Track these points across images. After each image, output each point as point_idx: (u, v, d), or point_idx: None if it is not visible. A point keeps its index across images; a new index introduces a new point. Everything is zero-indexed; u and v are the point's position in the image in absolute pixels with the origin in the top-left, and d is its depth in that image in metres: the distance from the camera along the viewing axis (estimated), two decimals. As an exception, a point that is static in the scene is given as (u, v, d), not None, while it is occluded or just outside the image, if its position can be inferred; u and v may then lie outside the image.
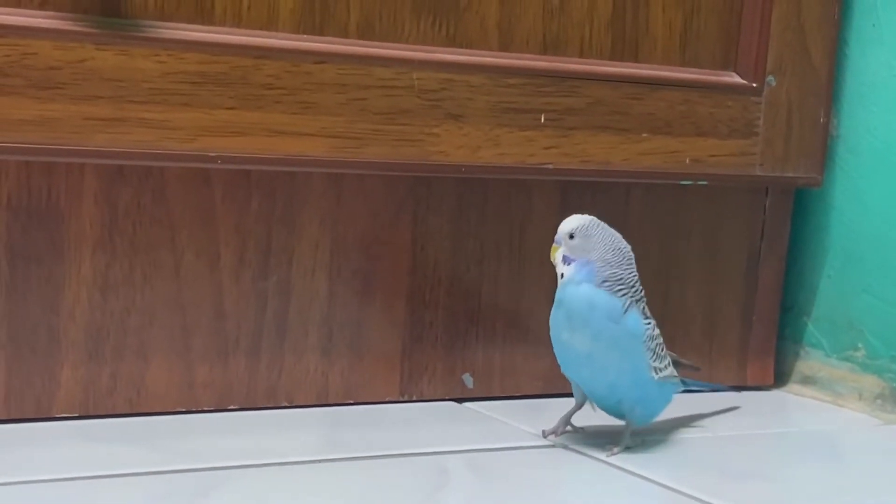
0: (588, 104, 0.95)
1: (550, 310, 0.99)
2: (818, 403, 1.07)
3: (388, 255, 0.94)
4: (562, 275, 0.85)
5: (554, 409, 0.90)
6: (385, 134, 0.88)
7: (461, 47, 0.91)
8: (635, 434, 0.88)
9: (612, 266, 0.85)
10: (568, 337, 0.85)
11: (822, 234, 1.09)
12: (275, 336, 0.91)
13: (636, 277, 0.86)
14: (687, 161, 0.99)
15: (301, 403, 0.92)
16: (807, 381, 1.10)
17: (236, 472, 0.78)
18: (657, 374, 0.86)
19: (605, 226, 0.86)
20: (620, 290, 0.84)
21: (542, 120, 0.94)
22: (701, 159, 1.00)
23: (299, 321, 0.92)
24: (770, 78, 1.01)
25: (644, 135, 0.97)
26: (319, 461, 0.81)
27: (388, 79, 0.88)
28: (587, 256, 0.84)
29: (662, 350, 0.87)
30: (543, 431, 0.89)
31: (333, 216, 0.92)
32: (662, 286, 1.04)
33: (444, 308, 0.96)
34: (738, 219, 1.06)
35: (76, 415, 0.86)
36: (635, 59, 0.98)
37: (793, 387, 1.10)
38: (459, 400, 0.97)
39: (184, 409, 0.89)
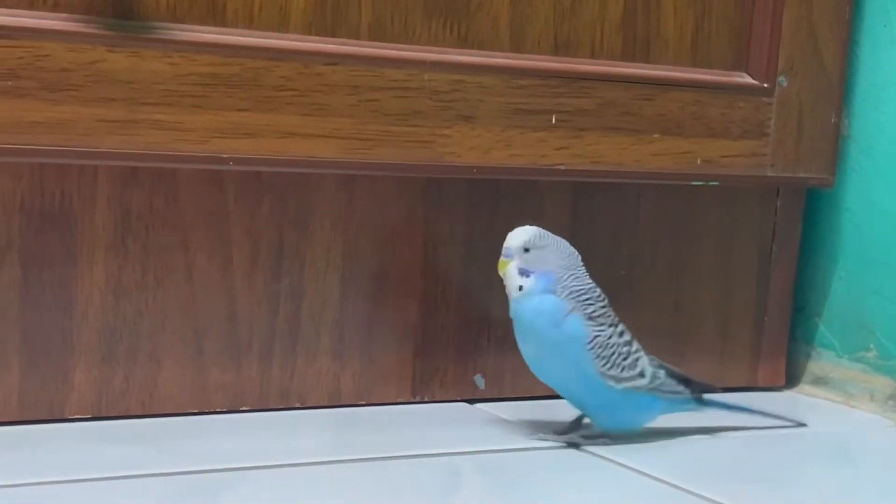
0: (599, 105, 0.95)
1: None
2: (830, 404, 1.07)
3: (400, 257, 0.94)
4: (520, 287, 0.86)
5: (565, 410, 0.90)
6: (397, 135, 0.88)
7: (473, 48, 0.91)
8: (605, 437, 0.88)
9: (569, 269, 0.86)
10: (522, 346, 0.87)
11: (834, 234, 1.09)
12: (287, 338, 0.91)
13: (588, 281, 0.87)
14: (698, 162, 0.99)
15: (313, 405, 0.92)
16: (818, 381, 1.10)
17: (249, 473, 0.78)
18: (616, 382, 0.86)
19: (553, 234, 0.87)
20: (571, 294, 0.86)
21: (554, 121, 0.94)
22: (712, 160, 1.00)
23: (311, 323, 0.92)
24: (781, 79, 1.01)
25: (655, 136, 0.97)
26: (331, 462, 0.82)
27: (399, 80, 0.88)
28: (546, 266, 0.86)
29: (625, 359, 0.87)
30: (554, 432, 0.89)
31: (345, 218, 0.92)
32: (674, 287, 1.04)
33: (456, 310, 0.96)
34: (749, 220, 1.06)
35: (89, 416, 0.86)
36: (646, 60, 0.98)
37: (804, 387, 1.10)
38: (471, 401, 0.97)
39: (196, 411, 0.89)
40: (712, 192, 1.04)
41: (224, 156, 0.84)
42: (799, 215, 1.08)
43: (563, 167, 0.94)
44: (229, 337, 0.89)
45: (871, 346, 1.06)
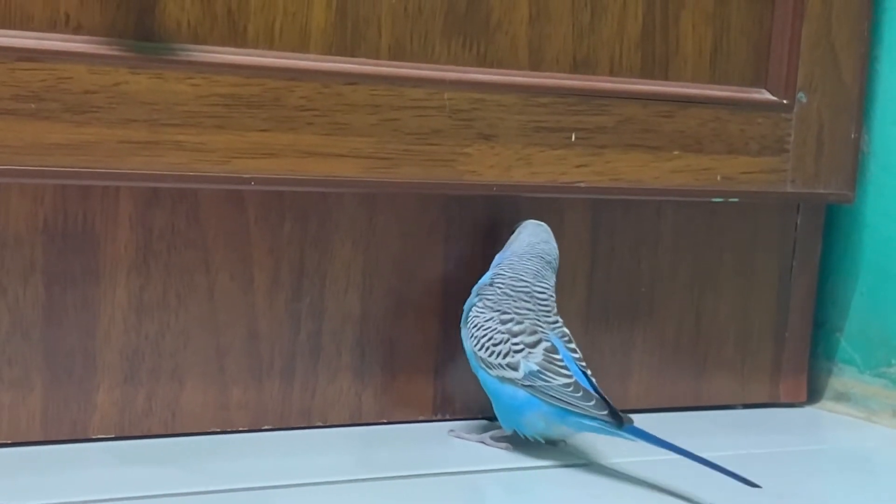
0: (618, 122, 0.95)
1: (582, 329, 1.00)
2: (851, 420, 1.07)
3: (421, 275, 0.94)
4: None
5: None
6: (417, 154, 0.89)
7: (492, 67, 0.92)
8: (508, 440, 0.90)
9: (511, 257, 0.91)
10: None
11: (854, 250, 1.08)
12: (308, 357, 0.91)
13: (523, 277, 0.90)
14: (718, 178, 0.99)
15: (335, 423, 0.93)
16: (840, 397, 1.09)
17: (271, 492, 0.78)
18: (488, 367, 0.88)
19: (536, 229, 0.92)
20: (491, 280, 0.90)
21: (573, 139, 0.94)
22: (732, 177, 1.00)
23: (332, 342, 0.92)
24: (801, 95, 1.01)
25: (675, 152, 0.97)
26: (354, 481, 0.82)
27: (419, 99, 0.88)
28: (505, 251, 0.92)
29: (497, 345, 0.88)
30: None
31: (366, 237, 0.92)
32: (694, 303, 1.04)
33: (477, 327, 0.96)
34: (769, 235, 1.06)
35: (112, 436, 0.86)
36: (665, 77, 0.98)
37: (826, 403, 1.10)
38: (492, 419, 0.97)
39: (219, 430, 0.89)
40: (732, 209, 1.04)
41: (245, 176, 0.84)
42: (819, 231, 1.08)
43: (582, 184, 0.94)
44: (251, 356, 0.90)
45: (893, 361, 1.06)
